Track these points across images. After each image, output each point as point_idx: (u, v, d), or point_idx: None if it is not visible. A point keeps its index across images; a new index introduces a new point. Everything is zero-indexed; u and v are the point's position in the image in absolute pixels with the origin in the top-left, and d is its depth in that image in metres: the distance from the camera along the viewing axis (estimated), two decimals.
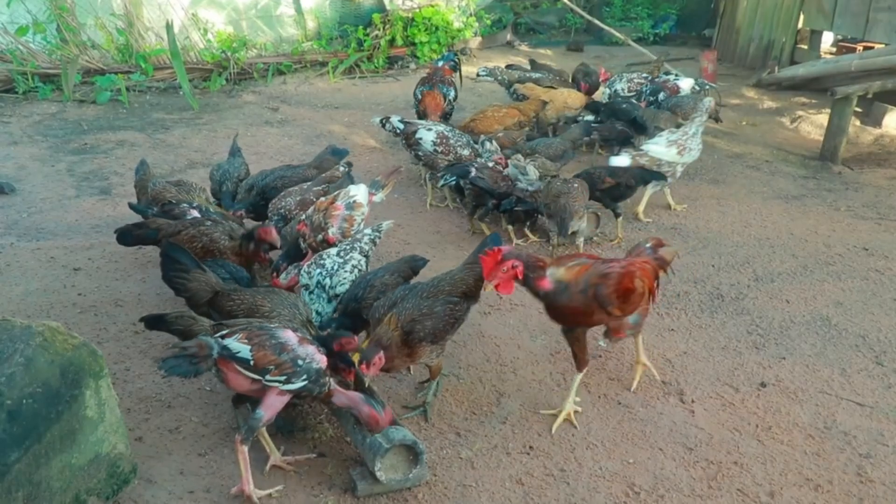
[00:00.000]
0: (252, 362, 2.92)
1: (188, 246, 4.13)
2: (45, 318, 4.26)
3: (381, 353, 3.34)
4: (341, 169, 5.43)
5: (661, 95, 7.51)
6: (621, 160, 5.78)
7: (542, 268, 3.32)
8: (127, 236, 4.50)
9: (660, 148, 5.87)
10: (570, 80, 8.30)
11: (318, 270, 4.02)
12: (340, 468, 3.27)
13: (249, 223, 5.06)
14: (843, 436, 3.58)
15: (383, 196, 4.95)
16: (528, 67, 8.95)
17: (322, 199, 4.64)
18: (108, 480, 2.88)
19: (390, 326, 3.40)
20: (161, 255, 3.77)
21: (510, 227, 5.70)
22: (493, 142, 6.21)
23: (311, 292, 3.99)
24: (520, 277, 3.27)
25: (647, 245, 3.85)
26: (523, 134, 6.69)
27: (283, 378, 2.97)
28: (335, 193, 4.64)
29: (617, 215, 5.61)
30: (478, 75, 8.55)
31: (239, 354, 2.92)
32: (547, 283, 3.32)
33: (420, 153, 6.14)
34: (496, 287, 3.29)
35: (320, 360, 3.06)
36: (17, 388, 2.52)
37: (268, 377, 2.95)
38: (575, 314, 3.45)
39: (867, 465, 3.38)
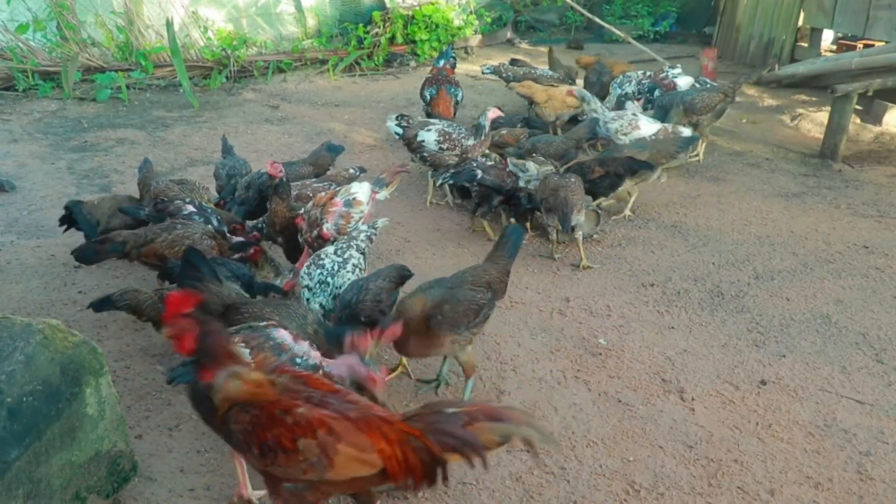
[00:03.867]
0: (252, 364, 2.91)
1: (168, 252, 4.09)
2: (45, 315, 4.25)
3: (399, 324, 3.27)
4: (351, 171, 5.42)
5: (657, 93, 7.49)
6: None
7: (220, 362, 2.38)
8: (89, 254, 4.19)
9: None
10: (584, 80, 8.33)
11: (319, 271, 3.99)
12: None
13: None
14: (844, 434, 3.58)
15: (387, 194, 4.93)
16: (525, 63, 8.91)
17: (322, 194, 4.63)
18: (109, 478, 2.88)
19: (416, 305, 3.42)
20: (182, 260, 3.61)
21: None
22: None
23: (312, 292, 3.97)
24: (192, 345, 2.38)
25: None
26: (525, 132, 6.68)
27: None
28: (336, 189, 4.63)
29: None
30: (482, 73, 8.53)
31: None
32: (209, 377, 2.38)
33: (426, 154, 6.00)
34: (172, 334, 2.43)
35: (315, 357, 3.06)
36: (18, 385, 2.51)
37: None
38: (215, 430, 2.51)
39: (867, 463, 3.38)
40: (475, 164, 5.59)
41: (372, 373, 3.07)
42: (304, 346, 3.04)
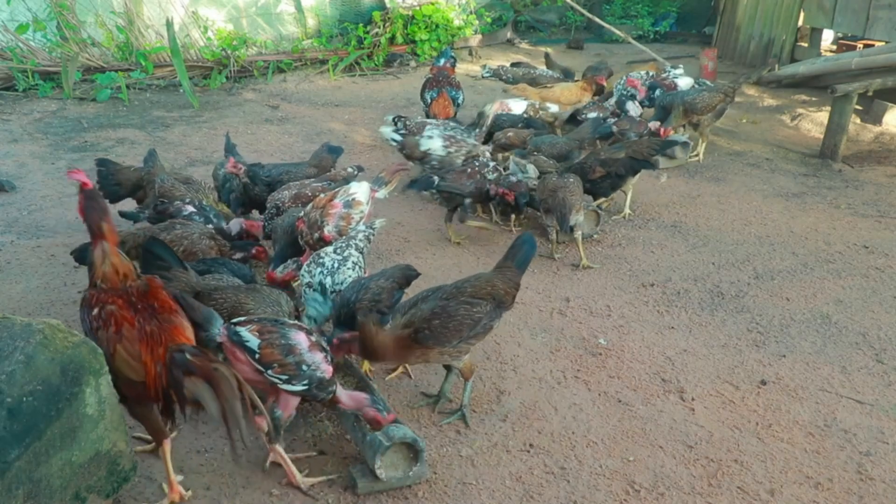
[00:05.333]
0: (258, 355, 2.99)
1: None
2: (45, 315, 4.26)
3: (336, 338, 3.39)
4: (349, 170, 5.42)
5: (657, 92, 7.49)
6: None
7: (95, 235, 2.82)
8: (87, 255, 4.28)
9: None
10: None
11: (319, 269, 3.99)
12: (340, 466, 3.26)
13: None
14: (844, 434, 3.58)
15: (386, 193, 4.92)
16: (527, 65, 8.93)
17: (321, 195, 4.62)
18: (109, 478, 2.88)
19: (397, 325, 3.35)
20: (142, 250, 3.64)
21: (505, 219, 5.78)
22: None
23: (313, 290, 3.97)
24: (81, 214, 2.89)
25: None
26: (531, 133, 6.68)
27: (284, 377, 3.01)
28: (335, 190, 4.62)
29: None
30: (482, 76, 8.52)
31: (247, 343, 3.00)
32: (93, 247, 2.88)
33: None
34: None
35: (326, 371, 3.08)
36: (18, 385, 2.51)
37: (270, 372, 3.00)
38: None
39: (867, 463, 3.38)
40: (429, 171, 5.48)
41: (378, 413, 3.10)
42: (316, 357, 3.07)
